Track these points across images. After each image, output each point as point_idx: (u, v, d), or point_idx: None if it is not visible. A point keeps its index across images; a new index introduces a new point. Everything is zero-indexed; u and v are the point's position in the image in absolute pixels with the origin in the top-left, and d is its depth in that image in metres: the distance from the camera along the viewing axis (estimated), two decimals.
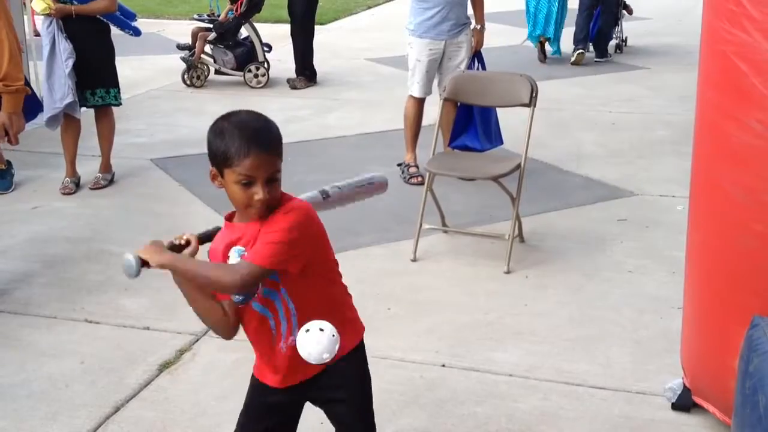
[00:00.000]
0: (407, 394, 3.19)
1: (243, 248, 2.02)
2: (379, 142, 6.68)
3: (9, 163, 5.66)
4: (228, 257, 2.04)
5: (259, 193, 1.94)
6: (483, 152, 5.48)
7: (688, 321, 3.05)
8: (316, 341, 1.96)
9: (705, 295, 2.88)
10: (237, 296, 2.03)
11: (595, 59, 9.80)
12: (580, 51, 9.57)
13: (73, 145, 5.63)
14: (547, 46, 9.89)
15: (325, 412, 2.28)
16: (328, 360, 1.98)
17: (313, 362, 1.97)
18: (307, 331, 1.97)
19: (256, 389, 2.25)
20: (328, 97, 8.28)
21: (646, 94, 8.15)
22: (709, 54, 2.69)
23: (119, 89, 5.64)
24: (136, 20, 6.01)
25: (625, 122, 7.11)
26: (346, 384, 2.23)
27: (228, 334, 2.13)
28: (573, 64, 9.52)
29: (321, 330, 1.96)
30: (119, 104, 5.68)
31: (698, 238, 2.89)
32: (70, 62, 5.32)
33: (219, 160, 1.97)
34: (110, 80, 5.55)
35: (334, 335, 1.97)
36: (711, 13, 2.65)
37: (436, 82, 5.59)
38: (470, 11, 5.67)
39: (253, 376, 2.26)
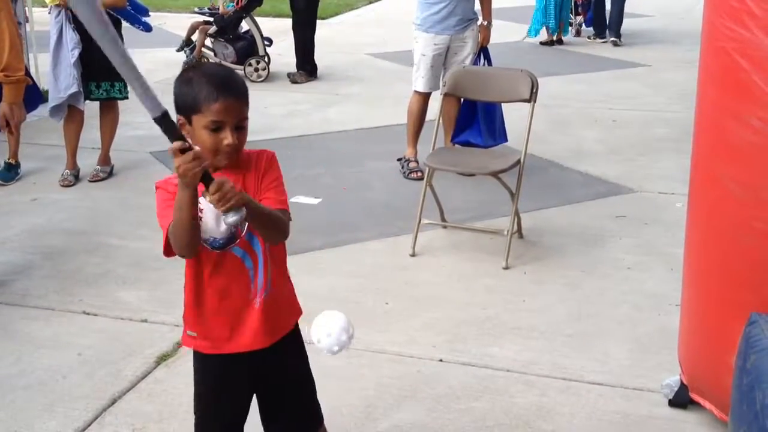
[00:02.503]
0: (405, 388, 3.19)
1: None
2: (380, 136, 6.68)
3: (18, 163, 5.66)
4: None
5: (228, 138, 1.97)
6: (484, 148, 5.48)
7: (685, 318, 3.05)
8: (342, 328, 1.97)
9: (703, 292, 2.88)
10: (231, 217, 1.86)
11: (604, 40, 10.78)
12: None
13: (75, 138, 5.62)
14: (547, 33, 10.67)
15: (263, 395, 2.26)
16: (335, 352, 1.98)
17: (324, 345, 1.98)
18: (334, 315, 1.97)
19: (214, 367, 2.18)
20: (329, 91, 8.27)
21: (647, 91, 8.15)
22: (709, 51, 2.68)
23: (125, 83, 5.61)
24: (148, 16, 6.00)
25: (625, 119, 7.10)
26: (294, 363, 2.26)
27: (192, 254, 2.05)
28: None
29: (347, 322, 2.00)
30: (125, 98, 5.62)
31: (697, 235, 2.89)
32: (76, 52, 5.31)
33: (188, 106, 2.00)
34: (116, 74, 5.50)
35: (351, 334, 1.97)
36: (712, 10, 2.64)
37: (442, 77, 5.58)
38: (477, 6, 5.66)
39: (203, 357, 2.17)
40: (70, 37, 5.32)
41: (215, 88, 1.97)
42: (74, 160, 5.64)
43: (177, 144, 1.80)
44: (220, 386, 2.22)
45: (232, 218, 1.86)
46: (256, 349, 2.13)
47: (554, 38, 10.70)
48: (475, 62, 5.59)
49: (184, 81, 2.03)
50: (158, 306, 3.84)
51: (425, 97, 5.63)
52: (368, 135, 6.78)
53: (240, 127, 2.01)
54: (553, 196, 5.28)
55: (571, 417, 3.02)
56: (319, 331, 2.01)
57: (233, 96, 2.00)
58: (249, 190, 2.03)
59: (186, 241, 1.97)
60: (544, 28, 10.62)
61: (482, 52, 5.69)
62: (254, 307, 2.10)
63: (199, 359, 2.21)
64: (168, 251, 2.04)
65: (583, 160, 5.99)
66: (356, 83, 8.63)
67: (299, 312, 2.27)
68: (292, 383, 2.27)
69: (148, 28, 5.81)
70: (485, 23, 5.66)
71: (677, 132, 6.46)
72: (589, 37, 10.99)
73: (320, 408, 2.35)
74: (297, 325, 2.26)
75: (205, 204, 1.96)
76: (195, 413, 2.28)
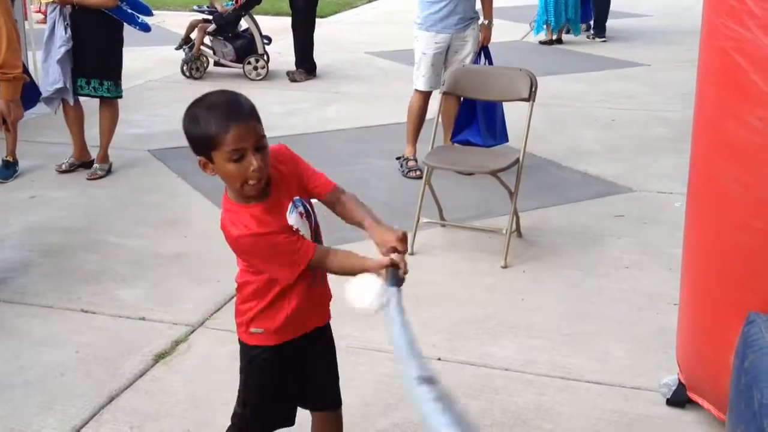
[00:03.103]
0: (403, 387, 3.18)
1: (298, 198, 2.16)
2: (379, 135, 6.68)
3: (16, 161, 5.66)
4: (300, 210, 2.14)
5: (252, 163, 1.97)
6: (483, 147, 5.48)
7: (684, 317, 3.05)
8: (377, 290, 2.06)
9: (701, 291, 2.87)
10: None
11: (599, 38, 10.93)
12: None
13: (76, 131, 5.65)
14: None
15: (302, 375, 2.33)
16: (374, 308, 2.05)
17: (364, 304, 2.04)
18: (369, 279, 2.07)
19: (278, 358, 2.24)
20: (328, 90, 8.27)
21: (646, 91, 8.14)
22: (709, 50, 2.68)
23: (116, 83, 5.59)
24: (152, 15, 5.97)
25: (624, 119, 7.10)
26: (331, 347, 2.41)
27: None
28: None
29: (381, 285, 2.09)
30: (113, 97, 5.60)
31: (695, 235, 2.89)
32: (63, 49, 5.35)
33: (204, 146, 1.98)
34: (105, 72, 5.52)
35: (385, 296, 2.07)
36: (711, 9, 2.64)
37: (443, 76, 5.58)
38: (478, 5, 5.65)
39: (263, 352, 2.23)
40: (60, 34, 5.36)
41: (223, 118, 1.95)
42: (80, 150, 5.65)
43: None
44: (282, 373, 2.28)
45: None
46: (312, 329, 2.27)
47: (554, 37, 10.69)
48: (476, 61, 5.58)
49: (190, 120, 2.00)
50: (156, 304, 3.84)
51: (426, 96, 5.63)
52: (367, 134, 6.77)
53: (260, 147, 1.98)
54: (552, 195, 5.28)
55: (570, 416, 3.02)
56: (359, 291, 2.04)
57: (244, 119, 1.97)
58: (292, 192, 2.12)
59: None
60: (546, 26, 10.59)
61: (483, 51, 5.69)
62: (319, 285, 2.24)
63: (260, 352, 2.25)
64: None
65: (582, 159, 5.99)
66: (355, 82, 8.62)
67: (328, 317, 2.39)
68: (327, 366, 2.38)
69: (145, 28, 5.76)
70: (486, 22, 5.66)
71: (676, 131, 6.46)
72: (588, 37, 11.00)
73: (340, 390, 2.45)
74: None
75: (293, 221, 2.09)
76: (246, 407, 2.32)
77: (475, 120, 5.69)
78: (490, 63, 5.74)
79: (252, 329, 2.22)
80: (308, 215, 2.19)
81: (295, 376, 2.31)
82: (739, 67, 2.48)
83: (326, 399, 2.44)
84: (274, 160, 2.08)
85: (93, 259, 4.34)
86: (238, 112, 1.98)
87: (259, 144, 1.98)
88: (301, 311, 2.19)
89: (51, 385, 3.21)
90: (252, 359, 2.27)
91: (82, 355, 3.42)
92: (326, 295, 2.32)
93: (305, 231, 2.15)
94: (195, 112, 2.00)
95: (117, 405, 3.09)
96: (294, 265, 2.06)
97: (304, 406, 2.43)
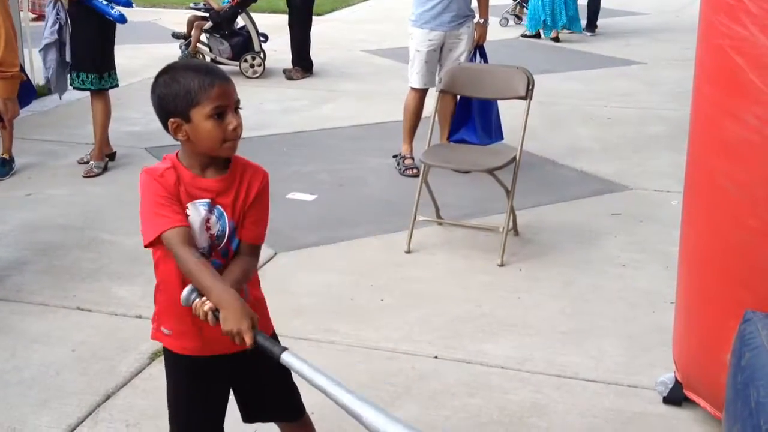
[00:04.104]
0: (399, 385, 3.18)
1: (221, 209, 2.04)
2: (375, 133, 6.67)
3: (12, 158, 5.65)
4: (210, 216, 2.03)
5: (233, 121, 1.97)
6: (480, 145, 5.48)
7: (680, 315, 3.05)
8: None
9: (698, 289, 2.88)
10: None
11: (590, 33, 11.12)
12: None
13: (96, 125, 5.66)
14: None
15: (241, 396, 2.28)
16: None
17: None
18: None
19: (198, 368, 2.16)
20: (324, 88, 8.26)
21: (643, 89, 8.15)
22: (706, 48, 2.68)
23: (101, 75, 5.56)
24: (131, 6, 5.93)
25: (621, 117, 7.11)
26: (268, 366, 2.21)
27: None
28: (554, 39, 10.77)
29: None
30: (98, 89, 5.59)
31: (692, 233, 2.89)
32: (44, 42, 5.45)
33: (184, 103, 1.95)
34: (86, 65, 5.53)
35: None
36: (709, 8, 2.64)
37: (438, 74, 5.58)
38: (475, 3, 5.65)
39: (180, 360, 2.16)
40: (48, 26, 5.44)
41: (206, 75, 1.96)
42: (99, 151, 5.67)
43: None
44: (200, 387, 2.21)
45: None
46: (224, 353, 2.11)
47: (543, 36, 10.85)
48: (472, 60, 5.58)
49: (168, 81, 1.98)
50: (152, 302, 3.82)
51: (421, 94, 5.62)
52: (364, 132, 6.77)
53: (238, 110, 2.01)
54: (549, 193, 5.28)
55: (566, 414, 3.02)
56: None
57: (225, 79, 2.00)
58: (233, 205, 2.04)
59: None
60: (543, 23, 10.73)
61: (478, 49, 5.68)
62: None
63: (172, 359, 2.20)
64: (152, 244, 2.01)
65: (579, 157, 5.99)
66: (352, 80, 8.62)
67: (271, 328, 2.24)
68: (269, 384, 2.26)
69: (119, 19, 5.59)
70: (482, 21, 5.65)
71: (672, 130, 6.47)
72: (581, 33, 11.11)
73: (300, 400, 2.34)
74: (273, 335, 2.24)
75: (193, 213, 1.99)
76: (173, 421, 2.26)
77: (471, 119, 5.69)
78: (486, 61, 5.74)
79: (162, 328, 2.18)
80: (216, 235, 2.05)
81: (217, 394, 2.23)
82: (737, 66, 2.48)
83: (278, 415, 2.36)
84: (252, 171, 2.08)
85: (89, 257, 4.33)
86: (218, 72, 2.01)
87: (238, 106, 2.01)
88: (201, 321, 1.98)
89: (47, 383, 3.20)
90: (166, 364, 2.23)
91: (78, 353, 3.41)
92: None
93: (196, 229, 2.01)
94: (171, 74, 1.98)
95: (113, 403, 3.08)
96: (152, 225, 1.97)
97: (260, 420, 2.37)
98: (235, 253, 2.09)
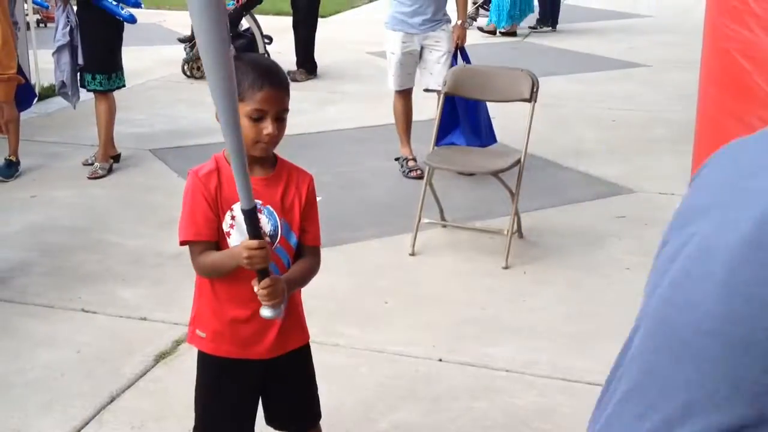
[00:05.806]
0: (403, 388, 3.18)
1: (271, 208, 2.10)
2: (379, 135, 6.66)
3: (18, 160, 5.66)
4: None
5: (268, 128, 2.01)
6: (483, 147, 5.47)
7: None
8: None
9: None
10: (269, 312, 1.97)
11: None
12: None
13: (100, 126, 5.67)
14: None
15: (268, 396, 2.29)
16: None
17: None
18: None
19: (231, 372, 2.18)
20: (329, 89, 8.26)
21: (647, 91, 8.13)
22: (711, 51, 2.68)
23: (107, 76, 5.54)
24: (140, 7, 5.94)
25: (625, 119, 7.10)
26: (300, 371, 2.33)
27: None
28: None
29: None
30: (104, 90, 5.58)
31: None
32: (57, 44, 5.44)
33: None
34: (93, 66, 5.55)
35: None
36: (714, 11, 2.64)
37: (418, 76, 5.59)
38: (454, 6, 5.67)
39: (217, 362, 2.17)
40: (59, 28, 5.44)
41: (260, 76, 1.99)
42: (103, 150, 5.67)
43: (255, 242, 1.85)
44: (231, 391, 2.22)
45: (269, 313, 1.93)
46: (264, 358, 2.16)
47: (502, 30, 11.03)
48: (453, 61, 5.56)
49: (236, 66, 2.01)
50: (157, 304, 3.83)
51: (404, 95, 5.65)
52: (368, 134, 6.77)
53: (280, 119, 2.04)
54: (553, 196, 5.28)
55: (571, 417, 3.01)
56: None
57: (277, 85, 2.02)
58: (285, 206, 2.09)
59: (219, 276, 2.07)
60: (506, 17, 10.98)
61: (459, 51, 5.68)
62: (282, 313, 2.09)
63: (206, 362, 2.21)
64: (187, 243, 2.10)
65: (583, 160, 5.98)
66: (356, 82, 8.62)
67: (307, 337, 2.29)
68: (297, 392, 2.30)
69: (128, 19, 5.63)
70: (460, 22, 5.67)
71: (677, 132, 6.45)
72: (536, 27, 11.44)
73: (320, 406, 2.38)
74: (307, 345, 2.29)
75: (237, 213, 1.98)
76: (199, 417, 2.27)
77: (458, 122, 5.67)
78: (467, 62, 5.72)
79: (197, 330, 2.19)
80: (269, 235, 2.08)
81: (245, 399, 2.25)
82: (742, 69, 2.48)
83: (300, 420, 2.37)
84: (298, 174, 2.15)
85: (94, 259, 4.34)
86: (275, 77, 2.04)
87: (281, 115, 2.04)
88: (238, 323, 2.10)
89: (51, 385, 3.21)
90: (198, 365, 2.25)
91: (82, 355, 3.42)
92: (284, 325, 2.15)
93: (238, 240, 2.03)
94: (238, 63, 1.97)
95: (118, 405, 3.08)
96: (183, 227, 2.09)
97: (281, 422, 2.38)
98: (296, 253, 2.15)
